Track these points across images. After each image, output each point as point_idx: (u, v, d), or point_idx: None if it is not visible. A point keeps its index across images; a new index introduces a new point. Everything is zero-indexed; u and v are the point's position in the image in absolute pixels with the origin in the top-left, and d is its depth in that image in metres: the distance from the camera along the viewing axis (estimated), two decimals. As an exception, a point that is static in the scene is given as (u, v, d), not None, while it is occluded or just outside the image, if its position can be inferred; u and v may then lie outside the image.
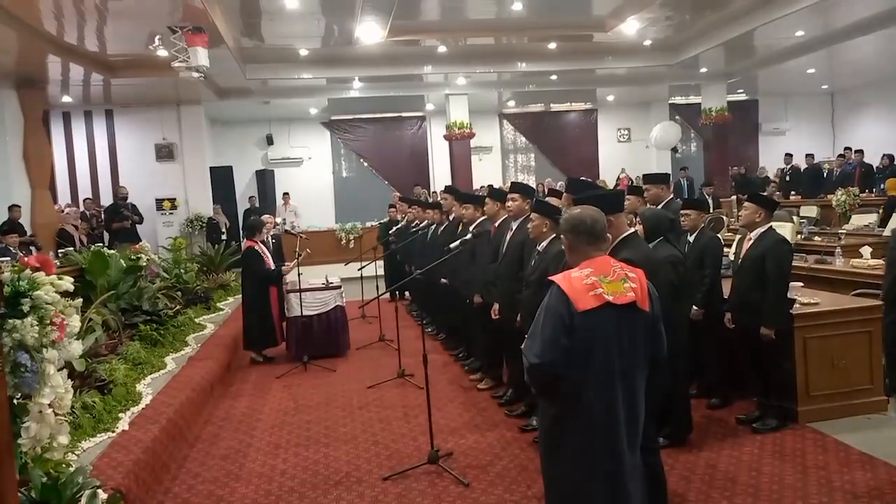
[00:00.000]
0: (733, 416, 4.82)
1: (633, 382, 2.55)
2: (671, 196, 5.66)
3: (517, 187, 5.43)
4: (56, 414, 2.70)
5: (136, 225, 12.41)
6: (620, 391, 2.51)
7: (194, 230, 13.82)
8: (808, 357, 4.66)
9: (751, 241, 4.66)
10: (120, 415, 4.68)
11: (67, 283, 2.70)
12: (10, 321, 2.48)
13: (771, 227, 4.65)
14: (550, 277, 2.61)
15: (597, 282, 2.50)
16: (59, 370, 2.69)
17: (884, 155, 13.07)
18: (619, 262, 2.65)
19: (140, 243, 9.19)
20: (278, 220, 13.68)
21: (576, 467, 2.54)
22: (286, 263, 7.45)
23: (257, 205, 14.74)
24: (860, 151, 13.38)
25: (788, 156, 15.10)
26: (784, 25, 11.02)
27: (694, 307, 4.88)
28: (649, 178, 5.71)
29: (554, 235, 4.49)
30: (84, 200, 13.11)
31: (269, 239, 8.12)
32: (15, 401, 2.61)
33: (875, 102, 17.80)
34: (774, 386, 4.59)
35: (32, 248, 8.88)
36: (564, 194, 4.92)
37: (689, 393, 4.71)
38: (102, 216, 12.76)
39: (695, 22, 11.79)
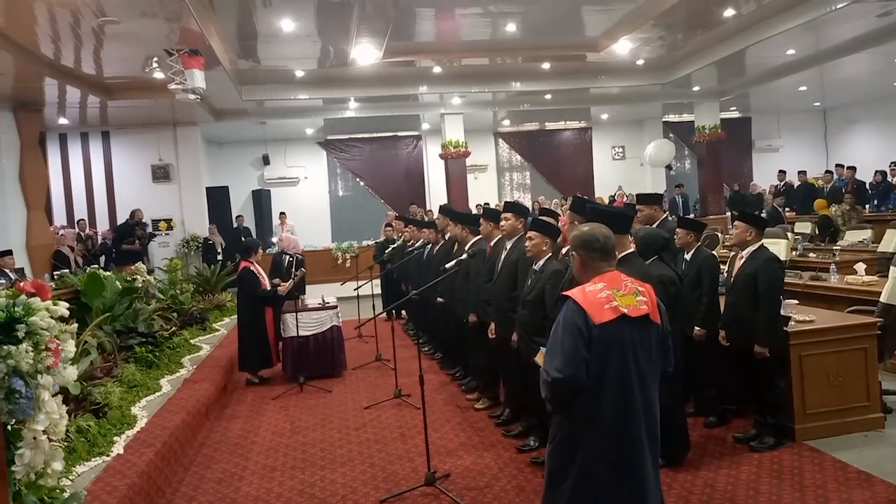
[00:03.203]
0: (730, 435, 4.81)
1: (649, 394, 2.58)
2: (664, 216, 5.70)
3: (510, 207, 5.46)
4: (50, 440, 2.69)
5: (144, 246, 12.51)
6: (639, 403, 2.53)
7: (190, 251, 13.82)
8: (804, 375, 4.66)
9: (742, 260, 4.70)
10: (115, 438, 4.65)
11: (63, 308, 2.69)
12: (5, 347, 2.47)
13: (762, 244, 4.69)
14: (565, 293, 2.65)
15: (611, 295, 2.55)
16: (53, 396, 2.68)
17: (876, 171, 13.17)
18: (629, 277, 2.69)
19: (135, 264, 9.18)
20: (274, 239, 13.70)
21: (588, 485, 2.53)
22: (281, 284, 7.43)
23: (245, 224, 14.72)
24: (852, 168, 13.47)
25: (782, 172, 15.20)
26: (775, 44, 11.15)
27: (696, 328, 4.89)
28: (643, 199, 5.75)
29: (550, 254, 4.51)
30: (78, 222, 13.12)
31: (285, 258, 8.04)
32: (9, 427, 2.60)
33: (867, 119, 17.97)
34: (771, 404, 4.59)
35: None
36: (569, 212, 4.95)
37: (685, 412, 4.70)
38: (112, 234, 12.88)
39: (687, 41, 11.90)
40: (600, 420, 2.51)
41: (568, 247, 4.28)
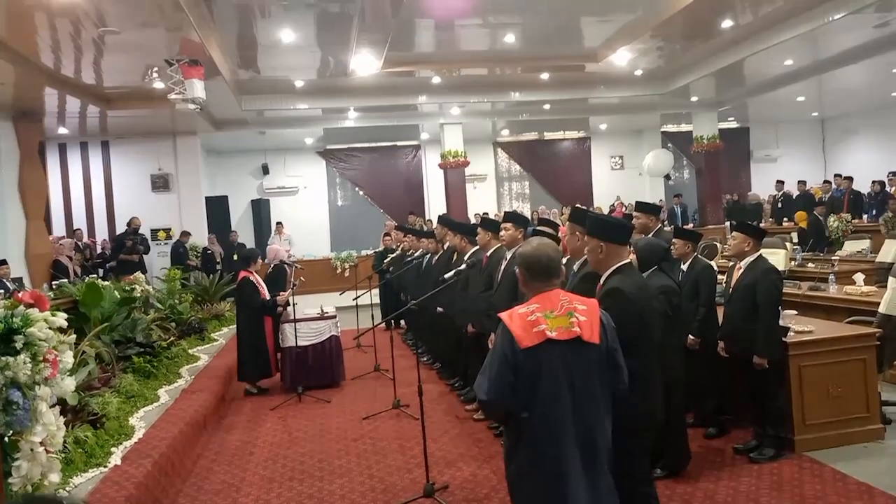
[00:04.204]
0: (730, 446, 4.80)
1: (587, 417, 2.53)
2: (659, 226, 5.70)
3: (510, 216, 5.47)
4: (47, 451, 2.68)
5: (144, 256, 12.53)
6: (573, 427, 2.50)
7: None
8: (803, 385, 4.65)
9: (741, 270, 4.70)
10: (112, 449, 4.61)
11: (61, 319, 2.69)
12: (3, 358, 2.47)
13: (761, 255, 4.69)
14: (499, 314, 2.63)
15: (541, 318, 2.51)
16: (51, 407, 2.67)
17: (873, 181, 13.19)
18: (570, 295, 2.65)
19: (134, 274, 9.17)
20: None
21: (529, 500, 2.56)
22: (280, 293, 7.43)
23: (239, 240, 14.72)
24: (849, 178, 13.50)
25: (780, 182, 15.22)
26: (773, 55, 11.20)
27: (690, 336, 4.89)
28: (641, 207, 5.75)
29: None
30: (75, 231, 13.11)
31: (271, 266, 8.07)
32: (6, 438, 2.59)
33: (865, 129, 18.03)
34: (770, 415, 4.58)
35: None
36: (568, 223, 4.93)
37: (686, 423, 4.69)
38: (109, 245, 12.92)
39: (685, 52, 11.97)
40: (532, 442, 2.51)
41: (569, 256, 4.29)
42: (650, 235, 5.35)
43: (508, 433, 2.63)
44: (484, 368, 2.56)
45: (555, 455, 2.49)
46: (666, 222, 7.64)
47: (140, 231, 12.77)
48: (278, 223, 15.51)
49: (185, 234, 13.52)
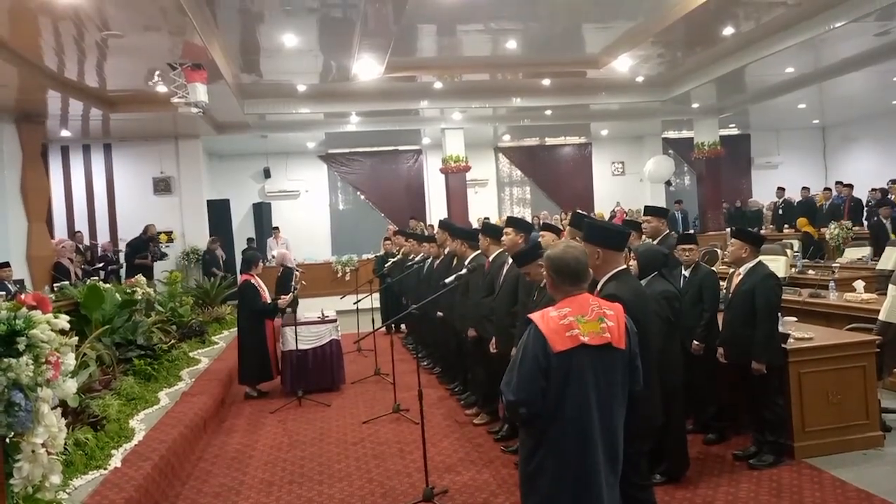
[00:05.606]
0: (730, 452, 4.80)
1: (611, 419, 2.58)
2: (667, 231, 5.72)
3: (511, 221, 5.48)
4: (49, 453, 2.69)
5: (156, 262, 12.56)
6: (597, 429, 2.53)
7: (190, 263, 13.82)
8: (803, 392, 4.65)
9: (740, 276, 4.71)
10: (112, 451, 4.63)
11: (63, 321, 2.71)
12: (6, 360, 2.48)
13: (760, 261, 4.70)
14: (529, 315, 2.64)
15: (574, 322, 2.53)
16: (52, 409, 2.68)
17: (872, 189, 13.19)
18: (598, 300, 2.68)
19: (135, 277, 9.19)
20: (273, 253, 13.71)
21: (550, 500, 2.56)
22: (281, 297, 7.44)
23: (255, 245, 14.73)
24: (850, 186, 13.51)
25: (781, 189, 15.24)
26: (774, 62, 11.23)
27: (694, 342, 4.90)
28: (651, 210, 5.77)
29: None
30: (75, 234, 13.13)
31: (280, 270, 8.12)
32: (7, 439, 2.60)
33: (866, 137, 18.04)
34: (770, 421, 4.58)
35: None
36: (569, 228, 4.95)
37: (685, 428, 4.69)
38: (112, 248, 12.99)
39: (686, 59, 11.99)
40: (557, 443, 2.53)
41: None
42: (658, 239, 5.38)
43: (530, 433, 2.63)
44: (512, 367, 2.56)
45: (582, 458, 2.52)
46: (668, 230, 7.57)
47: (156, 238, 12.83)
48: (275, 228, 15.48)
49: (214, 241, 13.51)
